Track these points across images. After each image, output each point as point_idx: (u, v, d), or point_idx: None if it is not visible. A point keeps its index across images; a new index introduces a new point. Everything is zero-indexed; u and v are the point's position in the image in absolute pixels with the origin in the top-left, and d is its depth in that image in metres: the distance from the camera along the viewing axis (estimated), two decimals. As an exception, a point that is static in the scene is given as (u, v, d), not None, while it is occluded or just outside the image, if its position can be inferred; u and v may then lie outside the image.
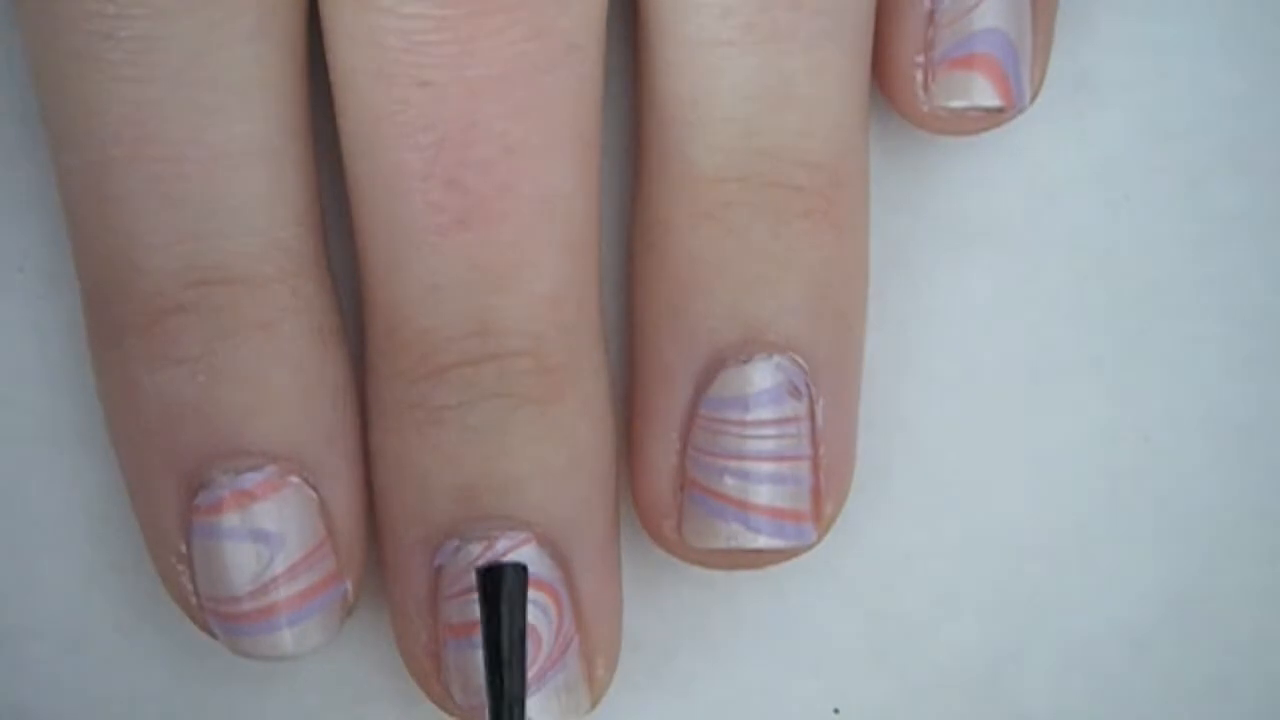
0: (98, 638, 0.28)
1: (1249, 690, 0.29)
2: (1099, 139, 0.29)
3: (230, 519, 0.25)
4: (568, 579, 0.26)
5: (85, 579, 0.28)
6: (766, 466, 0.26)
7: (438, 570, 0.26)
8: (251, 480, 0.25)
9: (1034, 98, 0.27)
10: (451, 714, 0.26)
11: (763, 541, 0.26)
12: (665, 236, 0.26)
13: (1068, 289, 0.29)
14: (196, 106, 0.25)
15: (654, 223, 0.27)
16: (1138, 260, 0.29)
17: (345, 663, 0.28)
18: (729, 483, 0.26)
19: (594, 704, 0.26)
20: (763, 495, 0.26)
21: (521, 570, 0.25)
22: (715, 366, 0.26)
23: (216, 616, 0.26)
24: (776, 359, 0.26)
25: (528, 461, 0.26)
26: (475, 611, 0.25)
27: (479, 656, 0.25)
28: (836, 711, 0.29)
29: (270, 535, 0.25)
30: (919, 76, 0.27)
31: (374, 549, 0.27)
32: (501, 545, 0.25)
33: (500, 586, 0.24)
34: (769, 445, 0.26)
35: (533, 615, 0.25)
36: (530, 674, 0.26)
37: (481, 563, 0.25)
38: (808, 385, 0.26)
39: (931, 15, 0.27)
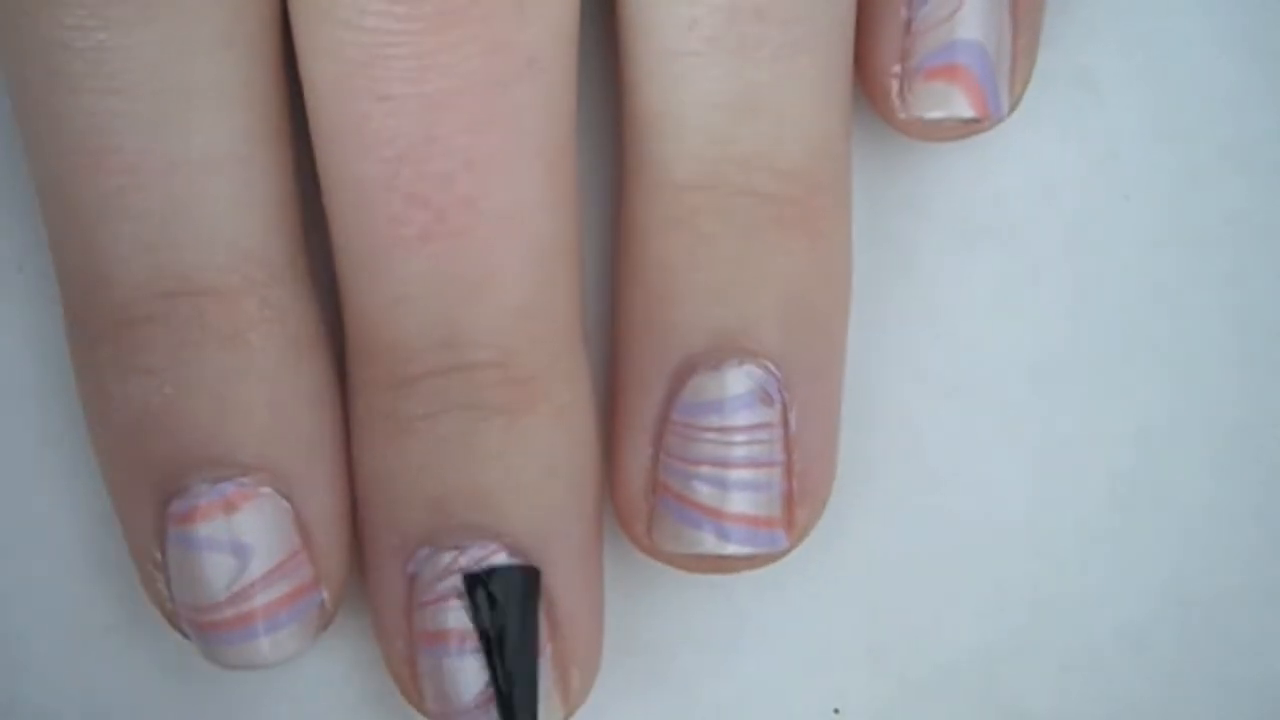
0: (98, 638, 0.28)
1: (1249, 690, 0.29)
2: (1099, 138, 0.29)
3: (202, 528, 0.25)
4: (543, 589, 0.26)
5: (85, 579, 0.28)
6: (737, 473, 0.26)
7: (411, 578, 0.26)
8: (223, 490, 0.25)
9: (1014, 107, 0.27)
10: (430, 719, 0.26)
11: (731, 548, 0.26)
12: (638, 243, 0.26)
13: (1068, 288, 0.29)
14: (157, 117, 0.25)
15: (629, 230, 0.27)
16: (1138, 260, 0.29)
17: (345, 664, 0.28)
18: (699, 488, 0.26)
19: (569, 714, 0.26)
20: (733, 502, 0.26)
21: (532, 573, 0.25)
22: (686, 373, 0.26)
23: (191, 624, 0.26)
24: (747, 366, 0.26)
25: (498, 472, 0.26)
26: (446, 619, 0.25)
27: (449, 664, 0.25)
28: (836, 711, 0.29)
29: (243, 545, 0.25)
30: (895, 86, 0.27)
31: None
32: (472, 554, 0.25)
33: (508, 590, 0.25)
34: (740, 451, 0.26)
35: None
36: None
37: (457, 568, 0.25)
38: (780, 391, 0.26)
39: (909, 25, 0.27)
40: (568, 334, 0.26)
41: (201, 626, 0.26)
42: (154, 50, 0.25)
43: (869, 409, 0.28)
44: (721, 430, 0.26)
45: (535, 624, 0.25)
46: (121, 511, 0.26)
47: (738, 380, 0.26)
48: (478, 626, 0.25)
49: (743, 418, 0.26)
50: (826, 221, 0.26)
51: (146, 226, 0.25)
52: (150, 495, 0.26)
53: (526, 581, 0.25)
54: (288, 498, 0.26)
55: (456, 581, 0.25)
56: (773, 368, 0.26)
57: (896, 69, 0.27)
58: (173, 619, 0.26)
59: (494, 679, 0.25)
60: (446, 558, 0.25)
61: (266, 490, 0.26)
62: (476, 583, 0.25)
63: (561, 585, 0.26)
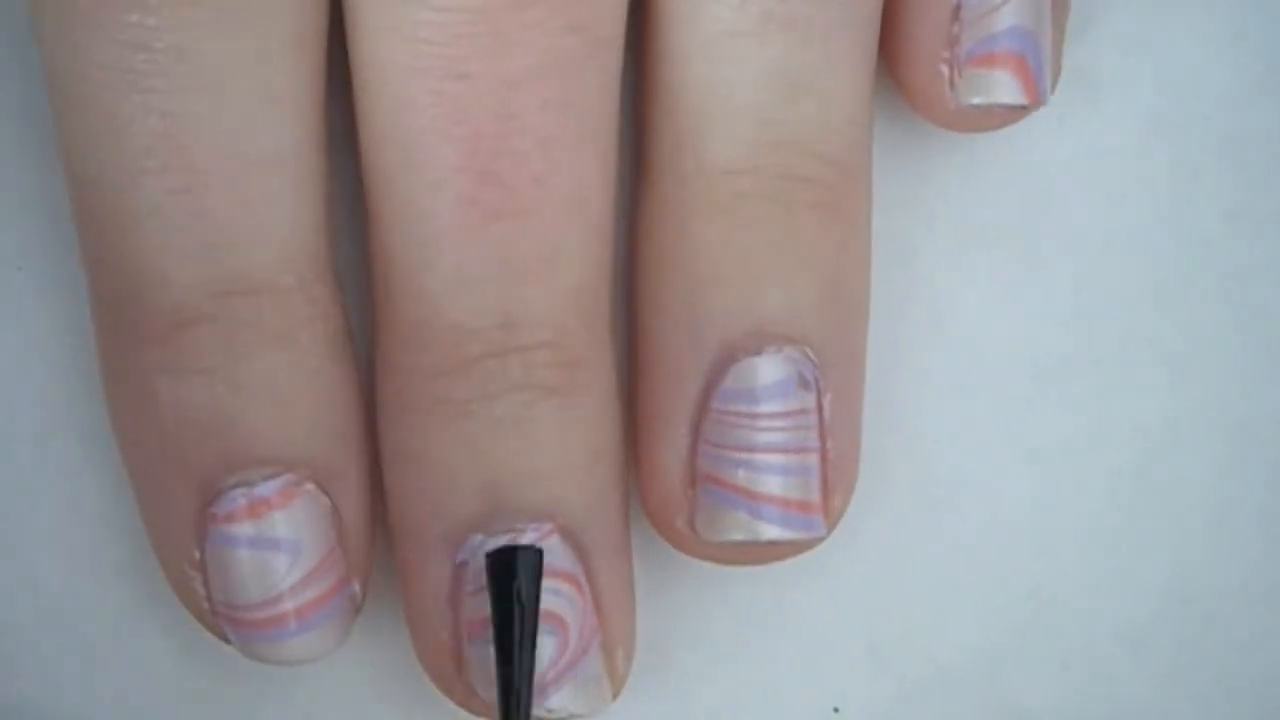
0: (98, 638, 0.28)
1: (1248, 689, 0.29)
2: (1097, 137, 0.29)
3: (246, 527, 0.25)
4: (588, 571, 0.26)
5: (85, 579, 0.28)
6: (777, 458, 0.26)
7: (460, 566, 0.26)
8: (268, 488, 0.25)
9: (1052, 92, 0.27)
10: (476, 713, 0.26)
11: (774, 533, 0.26)
12: (675, 227, 0.26)
13: (1066, 287, 0.29)
14: (229, 119, 0.25)
15: (664, 214, 0.26)
16: (1136, 258, 0.29)
17: (346, 665, 0.28)
18: (740, 474, 0.26)
19: (615, 696, 0.26)
20: (774, 486, 0.26)
21: (536, 554, 0.25)
22: (726, 360, 0.26)
23: (231, 623, 0.26)
24: (787, 351, 0.26)
25: (552, 453, 0.26)
26: None
27: None
28: (836, 711, 0.29)
29: (285, 542, 0.25)
30: (945, 73, 0.27)
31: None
32: (527, 538, 0.25)
33: (514, 569, 0.24)
34: (779, 437, 0.26)
35: (560, 606, 0.26)
36: (558, 666, 0.26)
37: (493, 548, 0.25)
38: (816, 378, 0.26)
39: (957, 12, 0.27)
40: (606, 318, 0.26)
41: (240, 625, 0.26)
42: (226, 56, 0.25)
43: (870, 408, 0.28)
44: (763, 416, 0.26)
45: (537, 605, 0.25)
46: (155, 513, 0.26)
47: (778, 366, 0.26)
48: (523, 604, 0.25)
49: (783, 403, 0.26)
50: (858, 207, 0.27)
51: (210, 226, 0.25)
52: (192, 494, 0.25)
53: (538, 561, 0.25)
54: (328, 493, 0.26)
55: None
56: (810, 354, 0.26)
57: (946, 55, 0.27)
58: (207, 619, 0.26)
59: (513, 655, 0.25)
60: (500, 542, 0.25)
61: (310, 487, 0.26)
62: (504, 559, 0.25)
63: (606, 567, 0.26)
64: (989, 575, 0.29)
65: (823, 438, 0.26)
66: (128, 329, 0.26)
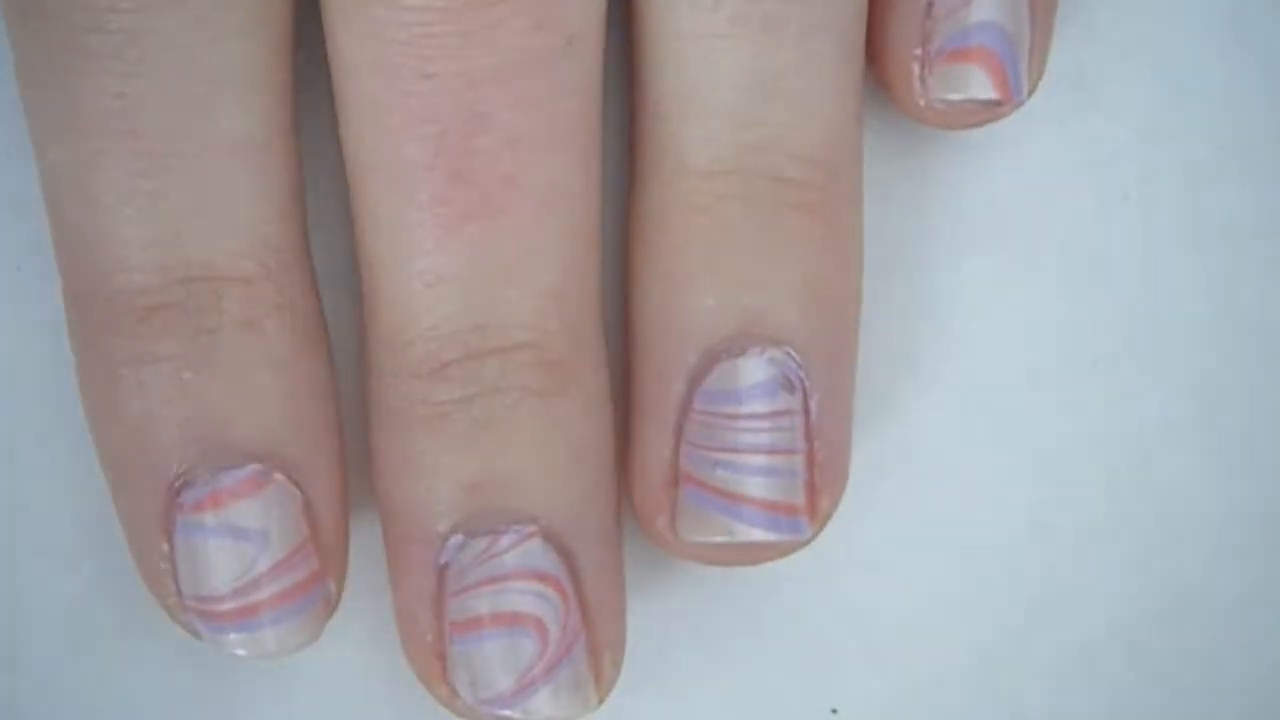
0: (97, 638, 0.28)
1: (1246, 692, 0.29)
2: (1097, 139, 0.29)
3: (214, 517, 0.25)
4: (572, 573, 0.26)
5: (85, 579, 0.28)
6: (760, 459, 0.26)
7: (443, 567, 0.26)
8: (236, 478, 0.25)
9: (1032, 91, 0.27)
10: (459, 714, 0.26)
11: (757, 534, 0.26)
12: (658, 229, 0.26)
13: (1066, 288, 0.29)
14: (183, 101, 0.25)
15: (647, 216, 0.27)
16: (1136, 260, 0.29)
17: (344, 665, 0.28)
18: (723, 476, 0.26)
19: (601, 700, 0.26)
20: (757, 488, 0.26)
21: None
22: (709, 360, 0.26)
23: (200, 615, 0.26)
24: (770, 352, 0.26)
25: (532, 455, 0.26)
26: (481, 606, 0.25)
27: (488, 649, 0.25)
28: (835, 712, 0.29)
29: (254, 533, 0.25)
30: (916, 69, 0.27)
31: (371, 549, 0.27)
32: (507, 540, 0.25)
33: None
34: (763, 439, 0.26)
35: (539, 607, 0.26)
36: (537, 669, 0.26)
37: (492, 554, 0.25)
38: (801, 379, 0.26)
39: (929, 8, 0.27)
40: (592, 317, 0.26)
41: (209, 617, 0.26)
42: (185, 33, 0.25)
43: (867, 408, 0.28)
44: (746, 417, 0.26)
45: None
46: (125, 503, 0.26)
47: (761, 367, 0.26)
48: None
49: (767, 404, 0.26)
50: (844, 208, 0.27)
51: (169, 210, 0.25)
52: (160, 484, 0.25)
53: None
54: (299, 485, 0.26)
55: (490, 566, 0.26)
56: (794, 354, 0.26)
57: (917, 52, 0.27)
58: (176, 612, 0.26)
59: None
60: (481, 544, 0.26)
61: (279, 478, 0.26)
62: None
63: (592, 569, 0.26)
64: (987, 577, 0.29)
65: (809, 439, 0.26)
66: (93, 315, 0.26)
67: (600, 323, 0.27)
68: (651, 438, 0.26)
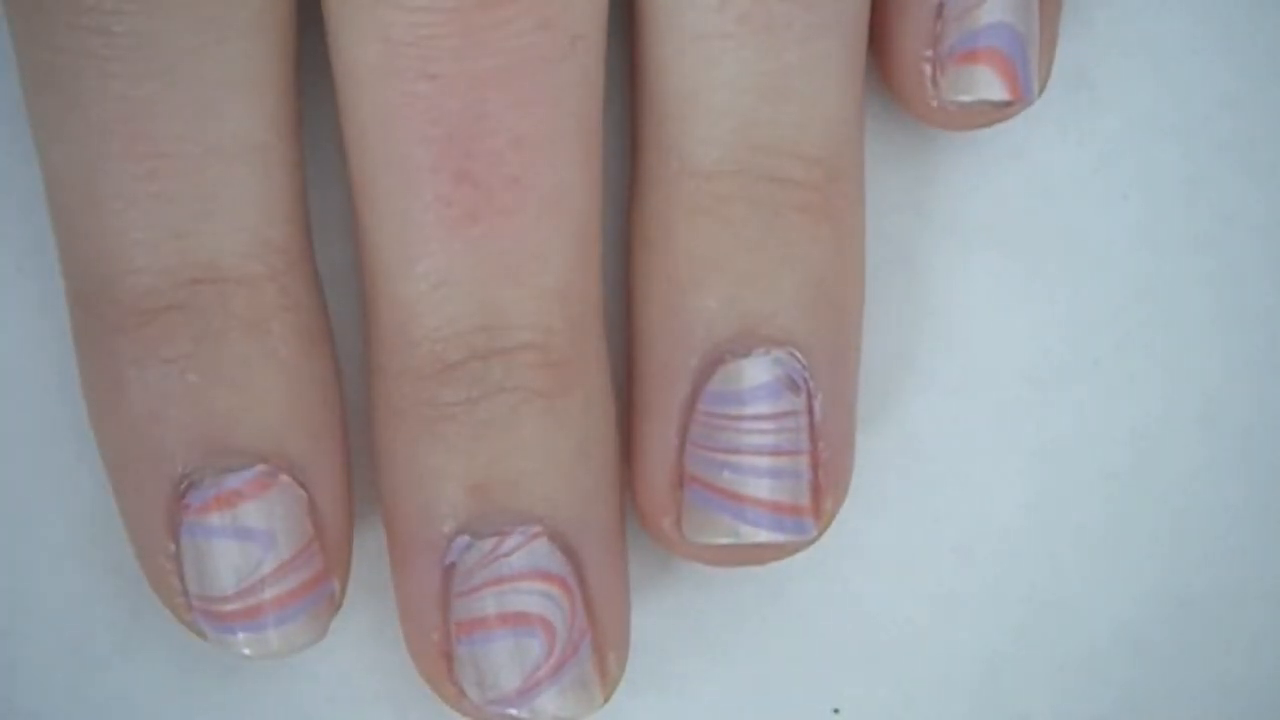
0: (97, 638, 0.28)
1: (1247, 690, 0.29)
2: (1098, 137, 0.29)
3: (220, 518, 0.25)
4: (578, 572, 0.26)
5: (85, 579, 0.28)
6: (765, 461, 0.26)
7: (449, 567, 0.26)
8: (241, 479, 0.25)
9: (1042, 90, 0.27)
10: (465, 713, 0.26)
11: (763, 535, 0.26)
12: (661, 231, 0.26)
13: (1067, 288, 0.29)
14: (189, 103, 0.25)
15: (650, 218, 0.27)
16: (1137, 259, 0.29)
17: (345, 664, 0.28)
18: (728, 477, 0.26)
19: (606, 699, 0.26)
20: (762, 489, 0.26)
21: None
22: (713, 362, 0.26)
23: (205, 615, 0.26)
24: (774, 353, 0.26)
25: (537, 455, 0.26)
26: (487, 606, 0.25)
27: (494, 649, 0.26)
28: (836, 712, 0.29)
29: (260, 534, 0.25)
30: (928, 71, 0.27)
31: (368, 549, 0.27)
32: (513, 540, 0.25)
33: None
34: (768, 440, 0.26)
35: (547, 608, 0.26)
36: (544, 669, 0.26)
37: (499, 555, 0.25)
38: (805, 380, 0.26)
39: (939, 9, 0.27)
40: (595, 316, 0.26)
41: (214, 617, 0.26)
42: (191, 36, 0.25)
43: (867, 408, 0.28)
44: (750, 419, 0.26)
45: None
46: (130, 505, 0.26)
47: (765, 368, 0.26)
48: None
49: (771, 405, 0.26)
50: (847, 209, 0.27)
51: (175, 213, 0.25)
52: (165, 486, 0.25)
53: None
54: (304, 486, 0.26)
55: (497, 566, 0.26)
56: (799, 355, 0.26)
57: (929, 54, 0.27)
58: (182, 612, 0.26)
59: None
60: (487, 545, 0.26)
61: (285, 479, 0.26)
62: None
63: (596, 568, 0.26)
64: (988, 576, 0.29)
65: (813, 439, 0.26)
66: (99, 317, 0.26)
67: (602, 322, 0.27)
68: (656, 439, 0.26)
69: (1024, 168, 0.29)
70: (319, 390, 0.26)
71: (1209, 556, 0.29)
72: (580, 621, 0.26)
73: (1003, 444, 0.29)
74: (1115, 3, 0.29)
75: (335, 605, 0.26)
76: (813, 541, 0.26)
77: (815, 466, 0.26)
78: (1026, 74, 0.27)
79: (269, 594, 0.26)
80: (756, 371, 0.26)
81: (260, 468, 0.25)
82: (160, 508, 0.26)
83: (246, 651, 0.26)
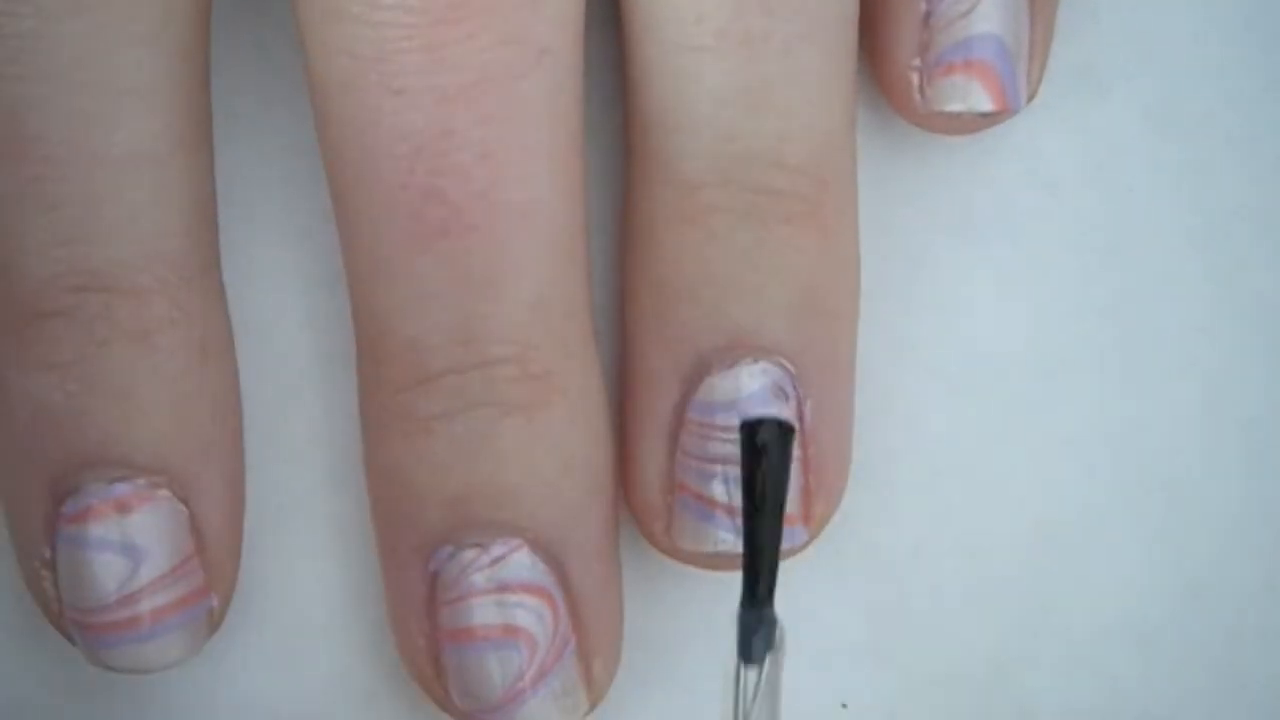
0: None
1: (1255, 686, 0.29)
2: (1102, 131, 0.29)
3: (96, 528, 0.25)
4: (562, 582, 0.26)
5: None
6: None
7: (433, 576, 0.26)
8: (119, 491, 0.25)
9: (1031, 97, 0.27)
10: (454, 716, 0.27)
11: None
12: (649, 242, 0.26)
13: (1071, 282, 0.29)
14: (80, 110, 0.25)
15: (640, 227, 0.27)
16: (1141, 253, 0.29)
17: (346, 663, 0.28)
18: (717, 487, 0.26)
19: (593, 705, 0.26)
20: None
21: (787, 429, 0.24)
22: (701, 372, 0.26)
23: (78, 626, 0.26)
24: (762, 364, 0.26)
25: (517, 469, 0.26)
26: (471, 616, 0.26)
27: (477, 660, 0.26)
28: (844, 706, 0.29)
29: (136, 547, 0.25)
30: (915, 80, 0.27)
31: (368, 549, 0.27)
32: (494, 552, 0.26)
33: (757, 437, 0.24)
34: None
35: (526, 619, 0.26)
36: (526, 678, 0.26)
37: (480, 566, 0.26)
38: (794, 387, 0.26)
39: (927, 19, 0.27)
40: (580, 328, 0.26)
41: (88, 628, 0.26)
42: (82, 41, 0.24)
43: (872, 405, 0.28)
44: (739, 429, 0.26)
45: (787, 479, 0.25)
46: (11, 509, 0.26)
47: (752, 378, 0.26)
48: (743, 475, 0.24)
49: (759, 415, 0.26)
50: (835, 216, 0.26)
51: (62, 219, 0.25)
52: (43, 493, 0.25)
53: (786, 435, 0.24)
54: (185, 502, 0.26)
55: (479, 578, 0.26)
56: (786, 364, 0.26)
57: (916, 63, 0.27)
58: (57, 621, 0.26)
59: (747, 533, 0.24)
60: (468, 555, 0.26)
61: (163, 493, 0.25)
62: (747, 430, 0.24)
63: (583, 576, 0.26)
64: (994, 571, 0.29)
65: (803, 445, 0.26)
66: None
67: (591, 331, 0.27)
68: (647, 447, 0.26)
69: (1027, 160, 0.29)
70: (208, 405, 0.26)
71: (1215, 549, 0.29)
72: (564, 630, 0.26)
73: (1007, 438, 0.29)
74: (1119, -3, 0.29)
75: (215, 621, 0.26)
76: (804, 548, 0.27)
77: (806, 471, 0.26)
78: (1014, 84, 0.27)
79: (141, 608, 0.25)
80: (744, 382, 0.26)
81: (139, 481, 0.25)
82: (37, 513, 0.26)
83: (116, 665, 0.26)
